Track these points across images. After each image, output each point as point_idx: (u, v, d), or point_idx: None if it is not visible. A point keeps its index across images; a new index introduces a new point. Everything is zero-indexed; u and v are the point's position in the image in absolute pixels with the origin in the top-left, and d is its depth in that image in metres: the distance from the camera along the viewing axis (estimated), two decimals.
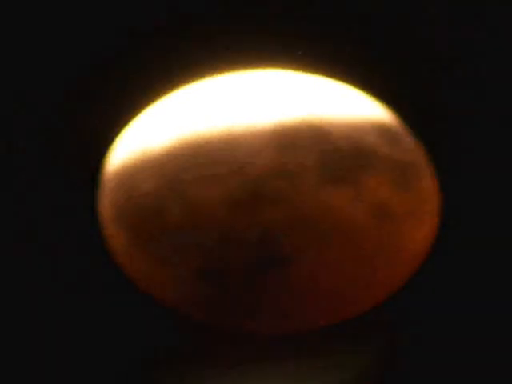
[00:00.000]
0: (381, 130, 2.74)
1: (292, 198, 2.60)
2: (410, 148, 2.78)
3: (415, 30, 3.00)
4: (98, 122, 2.94)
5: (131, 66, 3.02)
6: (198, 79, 2.92)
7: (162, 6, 3.01)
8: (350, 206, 2.63)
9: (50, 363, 3.01)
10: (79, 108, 3.00)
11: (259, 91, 2.74)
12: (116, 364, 3.04)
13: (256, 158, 2.61)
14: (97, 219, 2.94)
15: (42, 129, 3.00)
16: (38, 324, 3.04)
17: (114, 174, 2.83)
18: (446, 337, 3.03)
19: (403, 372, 2.98)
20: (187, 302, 2.78)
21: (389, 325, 3.02)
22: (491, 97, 2.96)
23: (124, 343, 3.05)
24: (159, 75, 2.95)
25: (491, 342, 3.01)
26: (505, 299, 3.01)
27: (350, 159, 2.64)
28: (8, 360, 3.01)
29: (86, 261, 3.02)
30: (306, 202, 2.60)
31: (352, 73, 2.84)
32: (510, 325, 2.99)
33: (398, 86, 2.87)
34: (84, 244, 3.00)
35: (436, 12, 2.97)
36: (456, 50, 2.95)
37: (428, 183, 2.80)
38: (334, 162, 2.63)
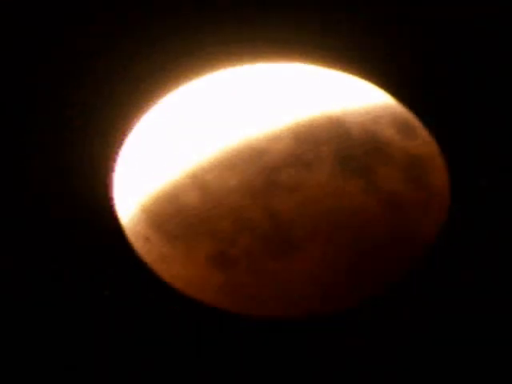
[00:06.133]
0: (396, 123, 2.79)
1: (307, 186, 2.65)
2: (424, 142, 2.84)
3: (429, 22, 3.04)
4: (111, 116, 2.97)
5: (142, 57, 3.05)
6: (214, 71, 2.96)
7: None
8: (362, 195, 2.69)
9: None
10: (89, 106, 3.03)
11: (278, 83, 2.79)
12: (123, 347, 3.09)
13: (273, 146, 2.67)
14: (111, 203, 2.97)
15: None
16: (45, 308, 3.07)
17: (131, 160, 2.87)
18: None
19: None
20: (198, 284, 2.83)
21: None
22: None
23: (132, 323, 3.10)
24: (175, 64, 2.98)
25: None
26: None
27: (364, 150, 2.70)
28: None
29: (100, 241, 3.05)
30: (321, 191, 2.65)
31: (369, 66, 2.89)
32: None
33: (414, 80, 2.92)
34: (99, 225, 3.04)
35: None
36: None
37: (439, 177, 2.86)
38: (349, 153, 2.68)
